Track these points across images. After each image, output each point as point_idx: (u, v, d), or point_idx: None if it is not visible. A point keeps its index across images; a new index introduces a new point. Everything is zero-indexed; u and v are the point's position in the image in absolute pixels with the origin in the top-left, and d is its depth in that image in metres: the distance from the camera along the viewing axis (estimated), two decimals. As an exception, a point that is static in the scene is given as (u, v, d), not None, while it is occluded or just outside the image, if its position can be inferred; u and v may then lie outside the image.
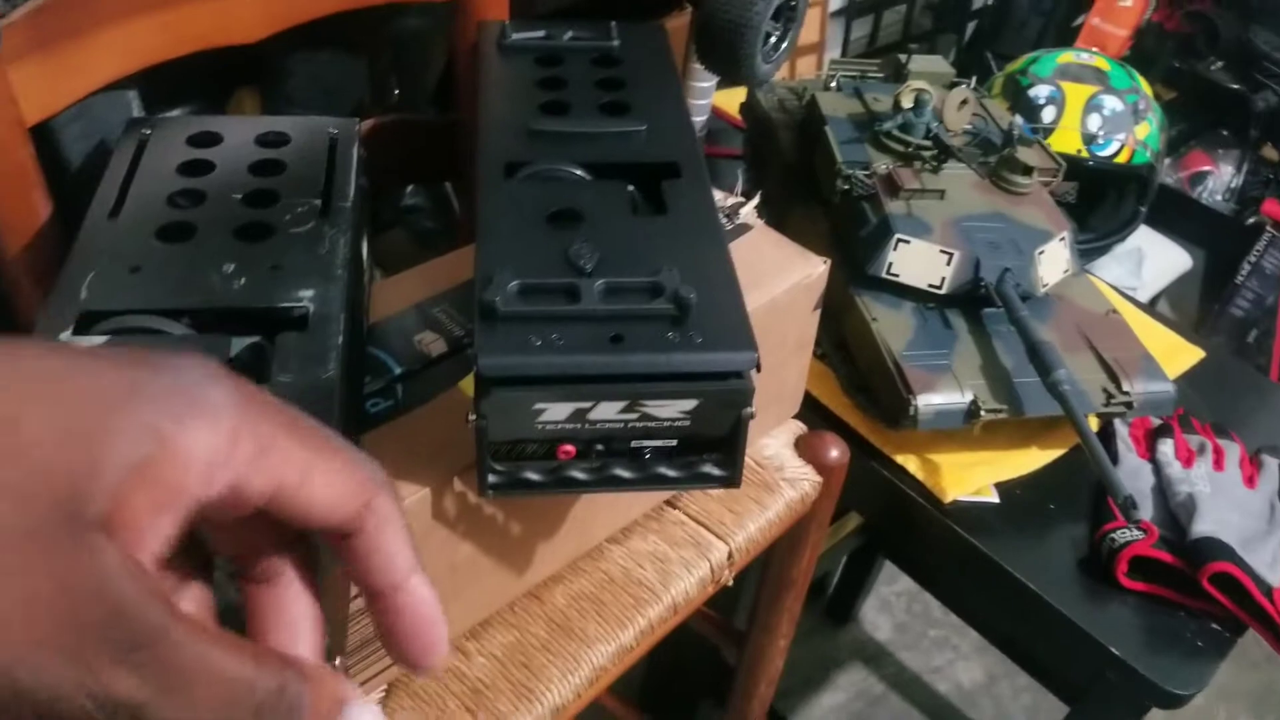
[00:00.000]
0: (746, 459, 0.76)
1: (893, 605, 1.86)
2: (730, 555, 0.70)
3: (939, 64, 1.10)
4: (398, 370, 0.59)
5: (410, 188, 1.12)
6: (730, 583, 0.72)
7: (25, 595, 0.21)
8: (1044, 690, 1.60)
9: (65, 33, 0.58)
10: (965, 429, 0.85)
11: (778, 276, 0.69)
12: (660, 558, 0.69)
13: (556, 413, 0.49)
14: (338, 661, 0.53)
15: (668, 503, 0.73)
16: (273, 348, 0.46)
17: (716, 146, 1.39)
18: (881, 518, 1.00)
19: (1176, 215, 2.02)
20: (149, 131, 0.58)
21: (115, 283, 0.47)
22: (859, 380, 0.93)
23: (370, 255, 0.64)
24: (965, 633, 1.78)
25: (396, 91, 0.94)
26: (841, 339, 0.96)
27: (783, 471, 0.76)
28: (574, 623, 0.64)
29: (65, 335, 0.43)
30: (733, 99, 1.31)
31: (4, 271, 0.57)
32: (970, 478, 0.87)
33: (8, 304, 0.59)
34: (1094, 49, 1.87)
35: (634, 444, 0.51)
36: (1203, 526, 0.79)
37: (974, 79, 1.08)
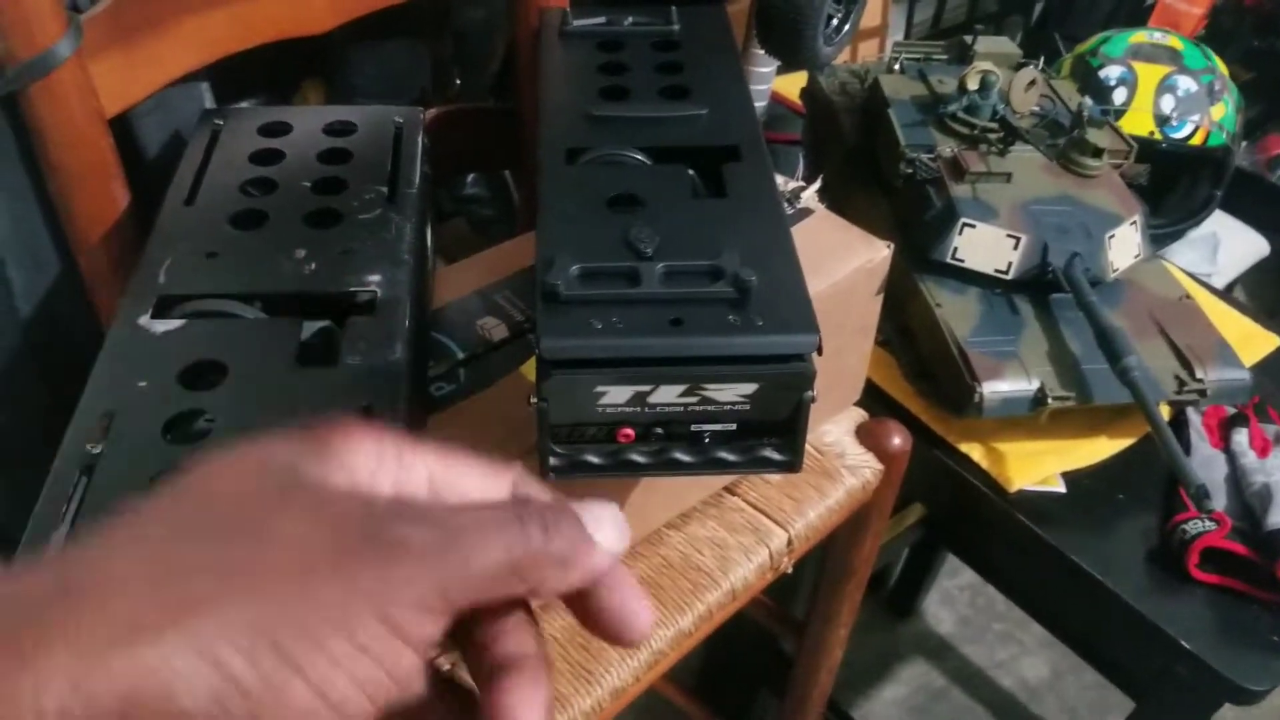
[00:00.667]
0: (807, 446, 0.77)
1: (956, 599, 1.84)
2: (790, 542, 0.70)
3: (1005, 45, 1.08)
4: (460, 354, 0.60)
5: (470, 178, 1.13)
6: (790, 570, 0.71)
7: None
8: (1110, 687, 1.57)
9: (144, 25, 0.60)
10: (1031, 417, 0.84)
11: (839, 260, 0.69)
12: (719, 544, 0.69)
13: (617, 396, 0.49)
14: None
15: (727, 489, 0.73)
16: (342, 331, 0.47)
17: (776, 133, 1.39)
18: (945, 508, 0.99)
19: (1254, 200, 1.95)
20: (221, 122, 0.60)
21: (192, 268, 0.48)
22: (922, 367, 0.92)
23: (433, 242, 0.65)
24: (1030, 627, 1.75)
25: (458, 81, 0.95)
26: (904, 325, 0.95)
27: (844, 459, 0.76)
28: (634, 606, 0.64)
29: (144, 319, 0.45)
30: (793, 84, 1.30)
31: (85, 259, 0.59)
32: (1037, 467, 0.86)
33: (88, 290, 0.61)
34: (1167, 29, 1.82)
35: (693, 428, 0.52)
36: (1278, 517, 0.77)
37: (1041, 60, 1.06)
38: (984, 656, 1.75)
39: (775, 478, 0.74)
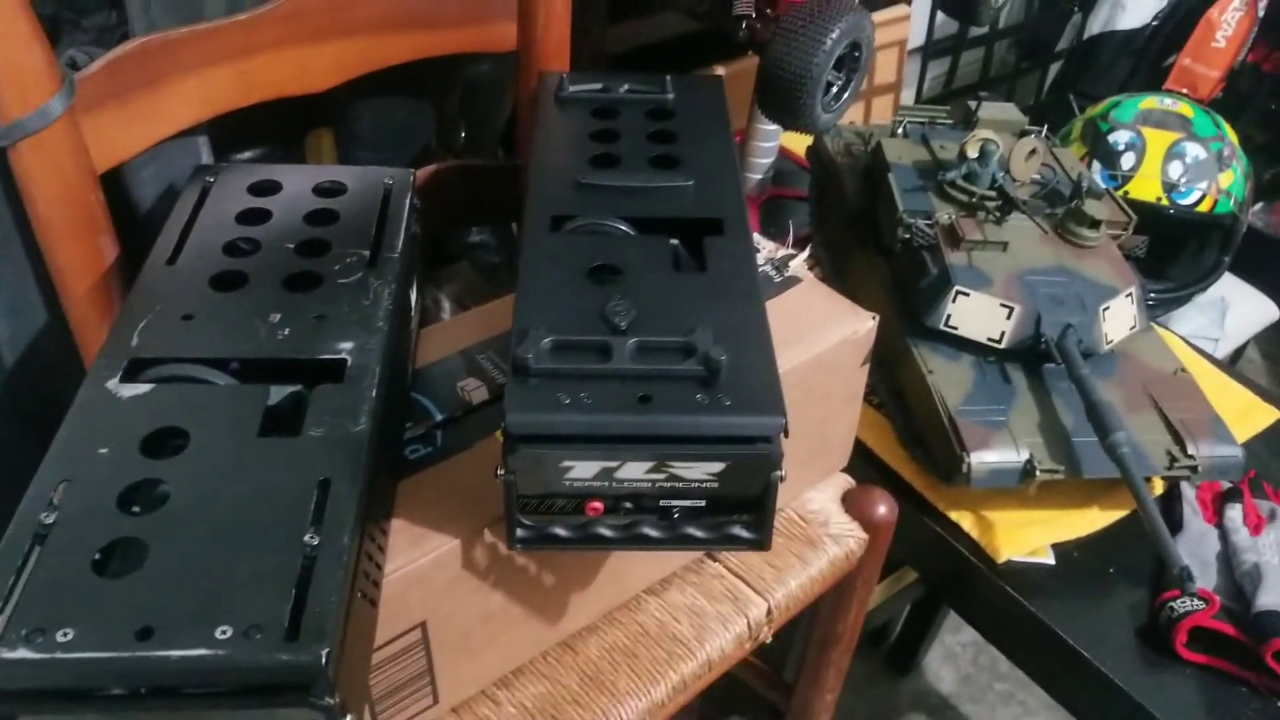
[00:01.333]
0: (790, 512, 0.77)
1: (958, 656, 1.81)
2: (769, 612, 0.70)
3: (1010, 111, 1.08)
4: (439, 416, 0.60)
5: (477, 228, 1.14)
6: (769, 640, 0.71)
7: None
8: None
9: (141, 84, 0.61)
10: (1022, 487, 0.83)
11: (824, 331, 0.69)
12: (697, 612, 0.69)
13: (583, 471, 0.49)
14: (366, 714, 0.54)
15: (708, 555, 0.73)
16: (310, 397, 0.47)
17: (784, 188, 1.39)
18: (935, 574, 0.98)
19: (1268, 262, 1.94)
20: (212, 180, 0.60)
21: (167, 330, 0.49)
22: (914, 432, 0.92)
23: (418, 303, 0.66)
24: (1033, 688, 1.71)
25: (464, 134, 0.96)
26: (898, 388, 0.94)
27: (827, 527, 0.75)
28: (605, 675, 0.64)
29: (112, 382, 0.45)
30: (802, 140, 1.30)
31: (72, 311, 0.60)
32: (1026, 537, 0.85)
33: (77, 342, 0.61)
34: (1182, 90, 1.82)
35: (662, 503, 0.52)
36: (1268, 599, 0.76)
37: (1044, 127, 1.06)
38: (985, 716, 1.72)
39: (758, 545, 0.74)
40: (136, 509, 0.40)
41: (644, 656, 0.66)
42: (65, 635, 0.36)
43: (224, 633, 0.36)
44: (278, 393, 0.47)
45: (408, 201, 0.60)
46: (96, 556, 0.39)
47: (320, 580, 0.38)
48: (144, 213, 0.66)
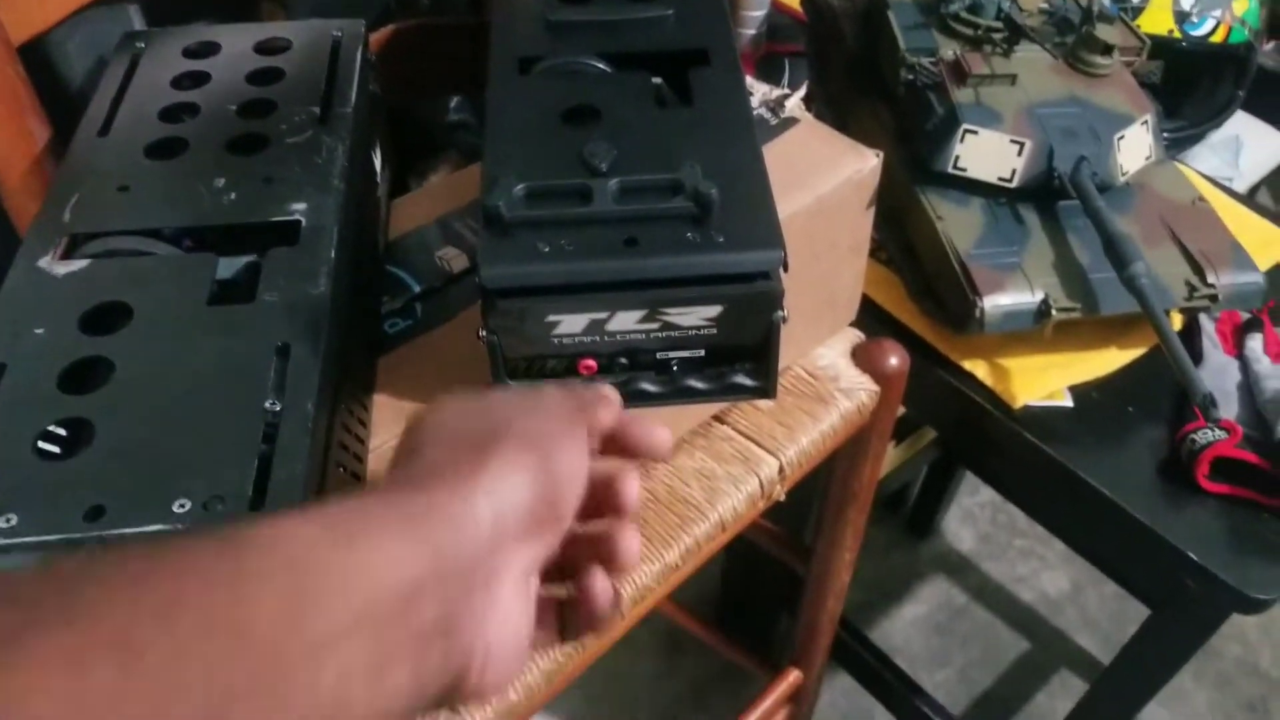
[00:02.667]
0: (799, 369, 0.73)
1: (976, 516, 1.81)
2: (781, 470, 0.67)
3: (1011, -63, 1.01)
4: (417, 288, 0.57)
5: (454, 103, 1.08)
6: (782, 498, 0.68)
7: None
8: (1130, 598, 1.55)
9: (56, -58, 0.55)
10: (1037, 330, 0.80)
11: (826, 173, 0.64)
12: (707, 474, 0.66)
13: (572, 325, 0.46)
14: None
15: (716, 418, 0.70)
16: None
17: (780, 43, 1.32)
18: (952, 428, 0.95)
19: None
20: (143, 45, 0.55)
21: (102, 204, 0.45)
22: (926, 285, 0.87)
23: (387, 168, 0.61)
24: (1051, 542, 1.73)
25: (427, -3, 0.90)
26: (907, 242, 0.90)
27: (838, 382, 0.72)
28: (615, 544, 0.62)
29: (45, 260, 0.41)
30: (793, -11, 1.23)
31: (8, 200, 0.56)
32: (1042, 381, 0.82)
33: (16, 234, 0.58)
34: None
35: (659, 356, 0.48)
36: (1294, 426, 0.73)
37: (1051, -48, 0.99)
38: (1005, 572, 1.73)
39: (766, 403, 0.71)
40: (80, 389, 0.37)
41: (654, 521, 0.63)
42: (8, 521, 0.33)
43: (182, 506, 0.33)
44: (231, 264, 0.44)
45: (359, 54, 0.55)
46: (39, 440, 0.35)
47: (285, 447, 0.35)
48: (75, 89, 0.61)
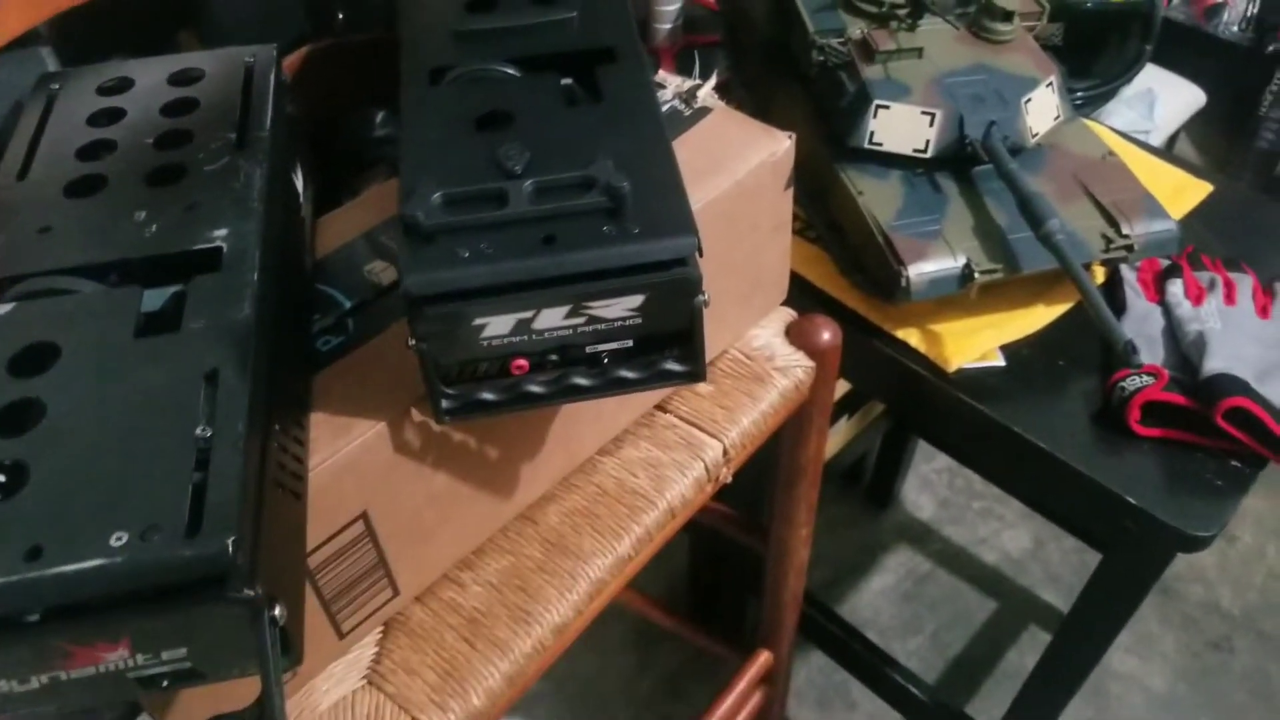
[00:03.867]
0: (735, 352, 0.75)
1: (934, 482, 1.84)
2: (725, 453, 0.69)
3: (909, -86, 1.03)
4: (348, 304, 0.57)
5: (379, 118, 1.09)
6: (729, 479, 0.70)
7: None
8: (1090, 549, 1.59)
9: (-42, -7, 0.55)
10: (964, 295, 0.82)
11: (741, 157, 0.66)
12: (653, 463, 0.67)
13: (498, 326, 0.47)
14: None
15: (658, 407, 0.71)
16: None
17: (696, 35, 1.34)
18: (894, 397, 0.97)
19: (1190, 52, 1.92)
20: (58, 86, 0.56)
21: (23, 246, 0.45)
22: (853, 259, 0.89)
23: (309, 189, 0.62)
24: (1009, 502, 1.76)
25: (340, 16, 0.90)
26: (832, 218, 0.92)
27: (773, 361, 0.74)
28: (569, 540, 0.63)
29: (-31, 306, 0.42)
30: (703, -18, 1.25)
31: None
32: (974, 344, 0.84)
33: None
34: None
35: (589, 349, 0.49)
36: (1214, 364, 0.76)
37: (947, -75, 1.01)
38: (966, 535, 1.76)
39: (705, 388, 0.72)
40: (12, 431, 0.37)
41: (605, 515, 0.64)
42: (-52, 566, 0.33)
43: (119, 539, 0.33)
44: (158, 296, 0.44)
45: (272, 77, 0.56)
46: (-27, 485, 0.36)
47: (218, 471, 0.36)
48: (-7, 136, 0.61)
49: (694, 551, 1.46)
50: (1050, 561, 1.71)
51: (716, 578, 1.46)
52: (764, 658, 1.08)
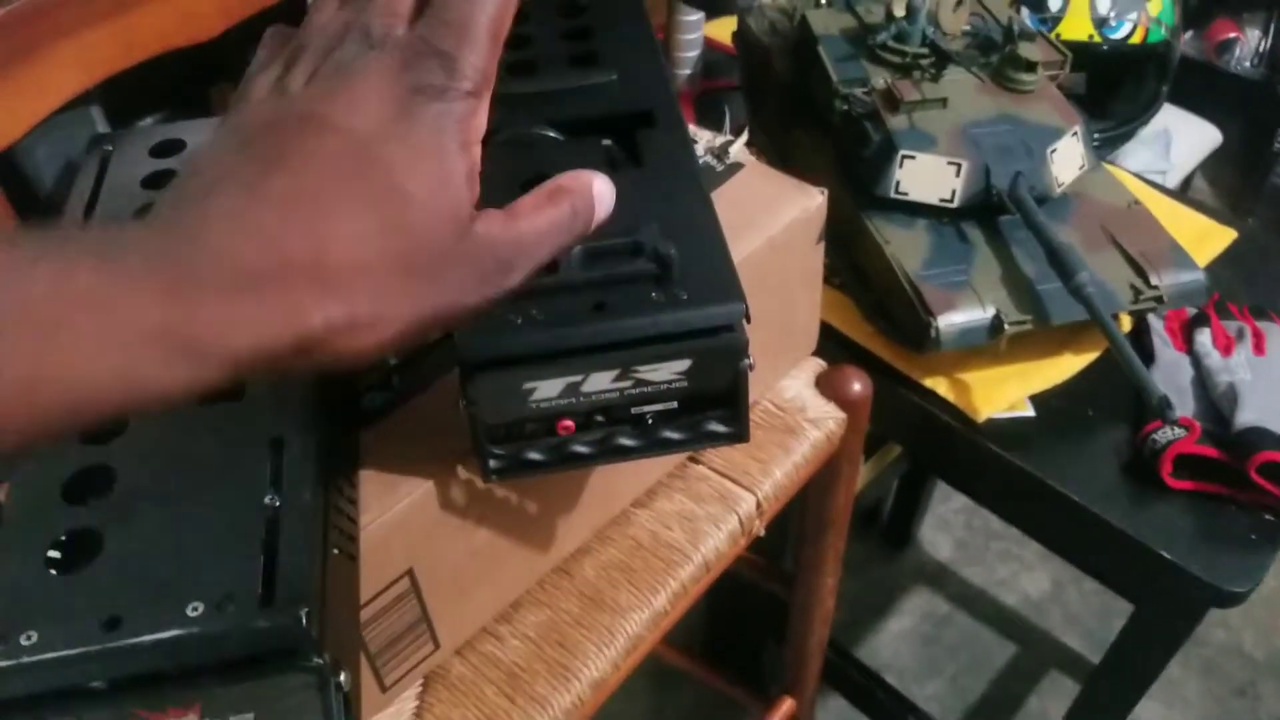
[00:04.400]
0: (766, 403, 0.76)
1: (951, 523, 1.84)
2: (759, 505, 0.69)
3: (930, -36, 1.05)
4: (393, 360, 0.58)
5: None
6: (762, 533, 0.70)
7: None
8: (1111, 592, 1.58)
9: (16, 55, 0.57)
10: (992, 344, 0.82)
11: (774, 214, 0.67)
12: (688, 516, 0.68)
13: (548, 389, 0.47)
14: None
15: (691, 459, 0.72)
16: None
17: (715, 79, 1.36)
18: (919, 444, 0.97)
19: (1204, 88, 1.94)
20: (110, 147, 0.57)
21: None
22: (879, 306, 0.90)
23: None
24: (1027, 543, 1.76)
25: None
26: (857, 265, 0.93)
27: (805, 412, 0.74)
28: (605, 594, 0.63)
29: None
30: (725, 27, 1.27)
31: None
32: (1003, 393, 0.85)
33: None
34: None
35: (634, 410, 0.50)
36: (1246, 416, 0.76)
37: (969, -24, 1.03)
38: (985, 577, 1.76)
39: (739, 442, 0.73)
40: (84, 498, 0.38)
41: (641, 568, 0.65)
42: (29, 639, 0.34)
43: (195, 609, 0.34)
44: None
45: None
46: (50, 553, 0.36)
47: (288, 540, 0.36)
48: (45, 194, 0.62)
49: (713, 595, 1.46)
50: (1070, 604, 1.70)
51: (735, 620, 1.46)
52: (787, 705, 1.08)
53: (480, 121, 0.36)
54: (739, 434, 0.51)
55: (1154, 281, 0.82)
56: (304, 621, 0.34)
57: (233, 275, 0.29)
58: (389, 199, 0.32)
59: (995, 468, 0.83)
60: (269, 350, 0.30)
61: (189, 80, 0.84)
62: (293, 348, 0.31)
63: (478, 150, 0.36)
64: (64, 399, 0.27)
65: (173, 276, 0.29)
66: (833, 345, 0.91)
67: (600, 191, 0.40)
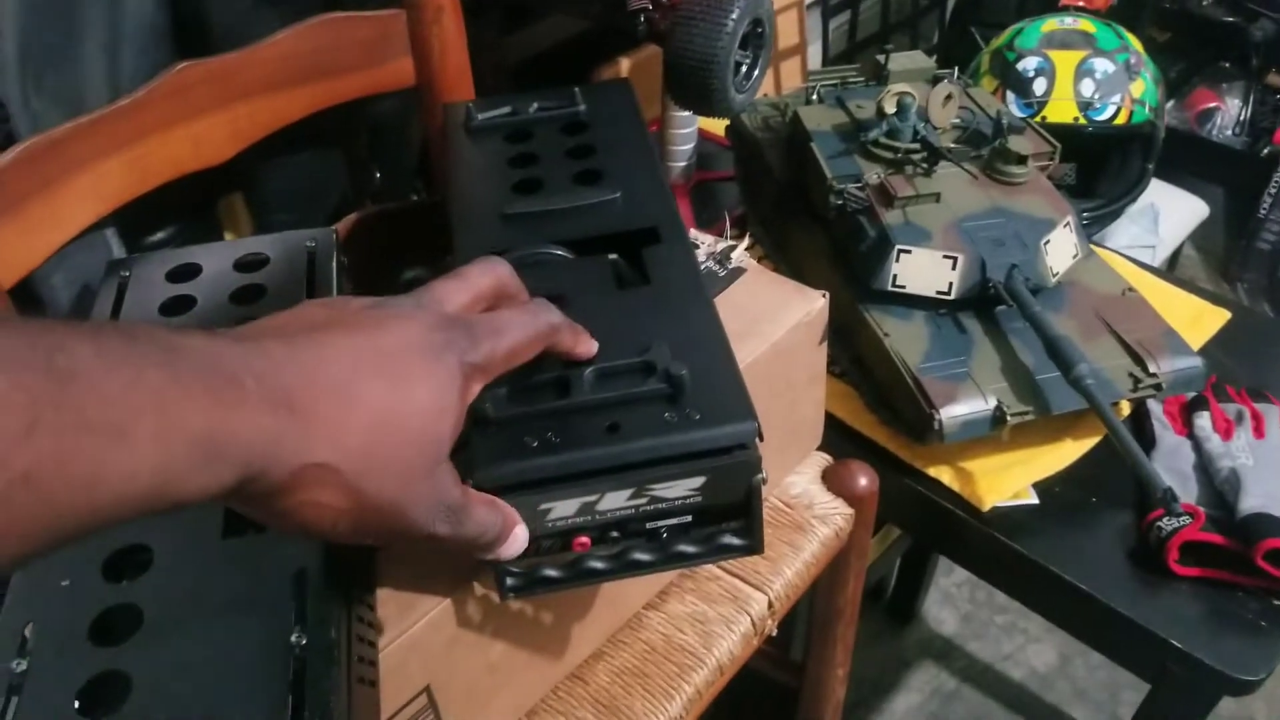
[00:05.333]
0: (774, 500, 0.76)
1: (955, 597, 1.83)
2: (770, 605, 0.69)
3: (919, 59, 1.08)
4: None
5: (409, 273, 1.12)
6: (774, 633, 0.70)
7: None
8: (1119, 666, 1.57)
9: (33, 189, 0.58)
10: (995, 434, 0.83)
11: (777, 319, 0.68)
12: (700, 619, 0.68)
13: (564, 509, 0.48)
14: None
15: (701, 558, 0.72)
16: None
17: (709, 170, 1.38)
18: (922, 531, 0.98)
19: (1189, 158, 1.98)
20: (128, 273, 0.58)
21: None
22: (881, 396, 0.91)
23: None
24: (1032, 615, 1.73)
25: (379, 176, 0.94)
26: (858, 356, 0.94)
27: (812, 509, 0.75)
28: (620, 701, 0.63)
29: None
30: (719, 120, 1.30)
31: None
32: (1006, 482, 0.85)
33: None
34: (1079, 5, 1.84)
35: (649, 525, 0.51)
36: (1250, 502, 0.77)
37: (956, 70, 1.06)
38: (991, 651, 1.74)
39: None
40: (111, 639, 0.39)
41: (654, 674, 0.65)
42: (58, 788, 0.34)
43: (225, 756, 0.34)
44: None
45: (334, 261, 0.58)
46: (78, 698, 0.37)
47: (314, 680, 0.37)
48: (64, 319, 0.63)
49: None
50: (1078, 677, 1.69)
51: (746, 710, 1.44)
52: (800, 794, 1.06)
53: (474, 393, 0.42)
54: (753, 546, 0.51)
55: (1152, 369, 0.83)
56: (333, 768, 0.34)
57: (270, 395, 0.33)
58: (395, 396, 0.37)
59: (1001, 555, 0.83)
60: (264, 472, 0.33)
61: (204, 191, 0.86)
62: (283, 480, 0.34)
63: (464, 413, 0.41)
64: (102, 499, 0.29)
65: (224, 382, 0.32)
66: (836, 435, 0.91)
67: (518, 535, 0.45)
